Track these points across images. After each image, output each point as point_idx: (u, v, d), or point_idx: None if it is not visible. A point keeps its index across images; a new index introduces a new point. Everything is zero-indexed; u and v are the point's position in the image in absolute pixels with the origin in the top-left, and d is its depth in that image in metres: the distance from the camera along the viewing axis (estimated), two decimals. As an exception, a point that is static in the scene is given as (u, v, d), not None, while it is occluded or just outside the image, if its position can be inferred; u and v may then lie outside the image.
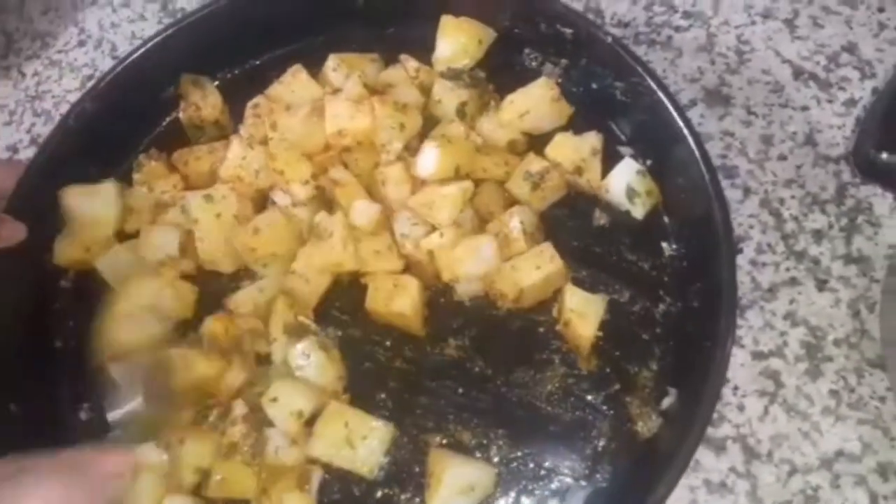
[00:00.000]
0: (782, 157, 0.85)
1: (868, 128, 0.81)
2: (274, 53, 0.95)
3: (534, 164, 0.83)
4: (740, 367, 0.77)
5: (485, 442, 0.75)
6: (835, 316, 0.78)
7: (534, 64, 0.90)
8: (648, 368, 0.76)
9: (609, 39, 0.81)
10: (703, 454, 0.74)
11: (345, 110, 0.83)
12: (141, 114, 0.92)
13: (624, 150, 0.85)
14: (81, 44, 1.07)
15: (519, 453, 0.75)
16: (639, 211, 0.81)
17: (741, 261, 0.81)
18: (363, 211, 0.81)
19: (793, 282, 0.80)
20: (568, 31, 0.84)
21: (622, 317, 0.78)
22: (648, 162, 0.83)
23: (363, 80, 0.87)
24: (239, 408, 0.75)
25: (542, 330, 0.79)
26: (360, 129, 0.83)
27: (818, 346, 0.77)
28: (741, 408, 0.75)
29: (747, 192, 0.84)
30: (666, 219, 0.82)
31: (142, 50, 0.88)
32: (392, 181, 0.82)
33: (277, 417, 0.74)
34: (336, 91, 0.89)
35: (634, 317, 0.79)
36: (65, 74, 1.05)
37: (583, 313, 0.77)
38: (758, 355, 0.77)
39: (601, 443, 0.74)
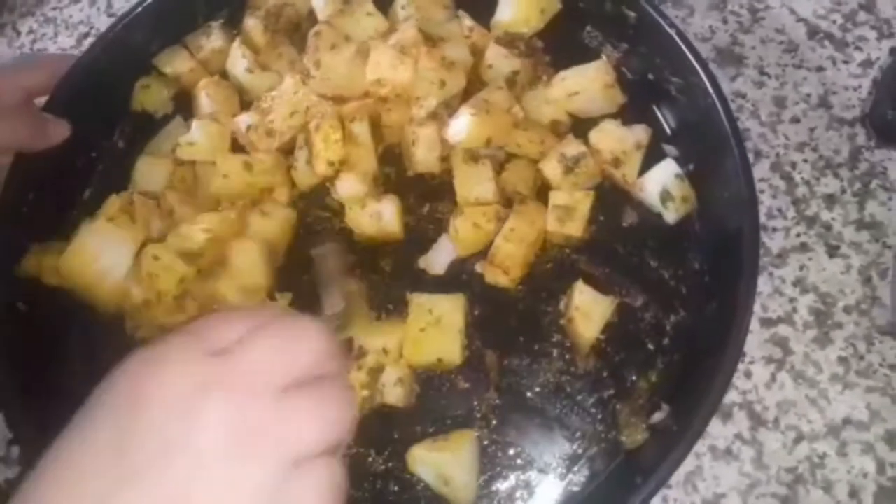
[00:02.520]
0: (795, 120, 0.83)
1: (885, 88, 0.78)
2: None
3: (571, 146, 0.78)
4: (749, 333, 0.76)
5: (468, 419, 0.74)
6: (845, 282, 0.77)
7: (594, 43, 0.86)
8: (647, 379, 0.73)
9: (673, 32, 0.76)
10: (708, 421, 0.73)
11: (388, 59, 0.79)
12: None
13: (668, 148, 0.80)
14: (76, 0, 1.04)
15: (497, 437, 0.73)
16: (671, 216, 0.77)
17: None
18: (349, 187, 0.79)
19: (803, 247, 0.78)
20: (632, 14, 0.80)
21: (631, 322, 0.75)
22: (691, 166, 0.78)
23: (419, 27, 0.82)
24: None
25: (547, 320, 0.76)
26: (400, 81, 0.79)
27: (828, 312, 0.76)
28: (748, 374, 0.74)
29: (758, 155, 0.82)
30: (698, 228, 0.77)
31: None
32: (423, 143, 0.79)
33: None
34: (392, 31, 0.84)
35: (644, 324, 0.75)
36: (60, 32, 1.03)
37: (587, 313, 0.74)
38: (766, 322, 0.76)
39: (583, 445, 0.72)
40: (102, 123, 0.88)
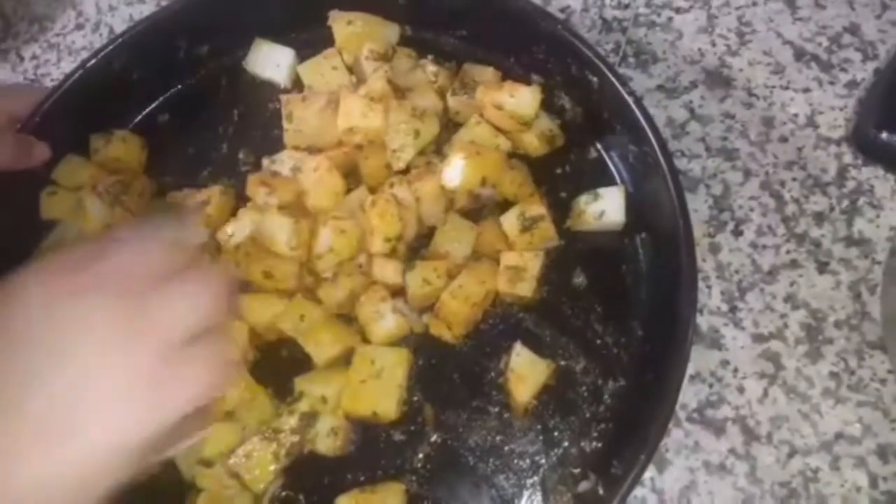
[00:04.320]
0: (783, 139, 0.85)
1: (868, 107, 0.80)
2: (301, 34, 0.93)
3: (533, 207, 0.79)
4: (740, 349, 0.77)
5: (399, 471, 0.74)
6: (836, 298, 0.78)
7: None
8: (579, 447, 0.73)
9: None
10: (702, 436, 0.74)
11: (358, 107, 0.81)
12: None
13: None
14: (79, 27, 1.06)
15: (427, 492, 0.73)
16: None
17: (742, 243, 0.81)
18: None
19: (793, 264, 0.79)
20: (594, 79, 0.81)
21: (570, 386, 0.75)
22: (642, 234, 0.80)
23: (388, 77, 0.84)
24: None
25: (488, 377, 0.76)
26: (372, 128, 0.81)
27: (818, 328, 0.77)
28: (741, 389, 0.75)
29: (748, 174, 0.84)
30: (643, 296, 0.78)
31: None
32: (429, 198, 0.80)
33: None
34: (360, 83, 0.86)
35: (583, 389, 0.75)
36: (63, 57, 1.05)
37: (523, 375, 0.74)
38: (758, 338, 0.77)
39: None
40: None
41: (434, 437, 0.75)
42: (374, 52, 0.86)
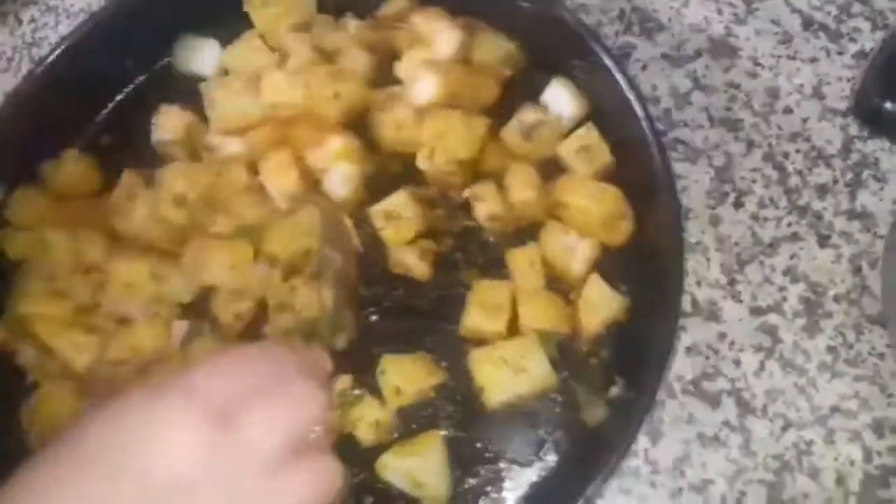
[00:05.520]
0: (788, 110, 0.83)
1: (873, 76, 0.78)
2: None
3: (528, 113, 0.80)
4: (738, 321, 0.76)
5: (433, 419, 0.74)
6: (836, 272, 0.77)
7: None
8: (597, 355, 0.74)
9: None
10: (697, 408, 0.74)
11: (278, 82, 0.81)
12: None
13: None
14: (78, -10, 1.05)
15: (463, 433, 0.74)
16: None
17: (742, 215, 0.80)
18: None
19: (794, 237, 0.79)
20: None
21: None
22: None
23: (312, 44, 0.84)
24: None
25: None
26: (294, 101, 0.80)
27: (818, 301, 0.76)
28: (737, 362, 0.75)
29: (751, 145, 0.82)
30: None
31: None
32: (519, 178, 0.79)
33: None
34: (283, 56, 0.85)
35: None
36: (61, 21, 1.04)
37: (595, 306, 0.74)
38: (755, 310, 0.76)
39: (548, 429, 0.73)
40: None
41: (462, 377, 0.75)
42: (293, 24, 0.86)
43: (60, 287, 0.79)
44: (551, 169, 0.80)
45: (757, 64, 0.86)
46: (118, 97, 0.92)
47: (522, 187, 0.78)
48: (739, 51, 0.87)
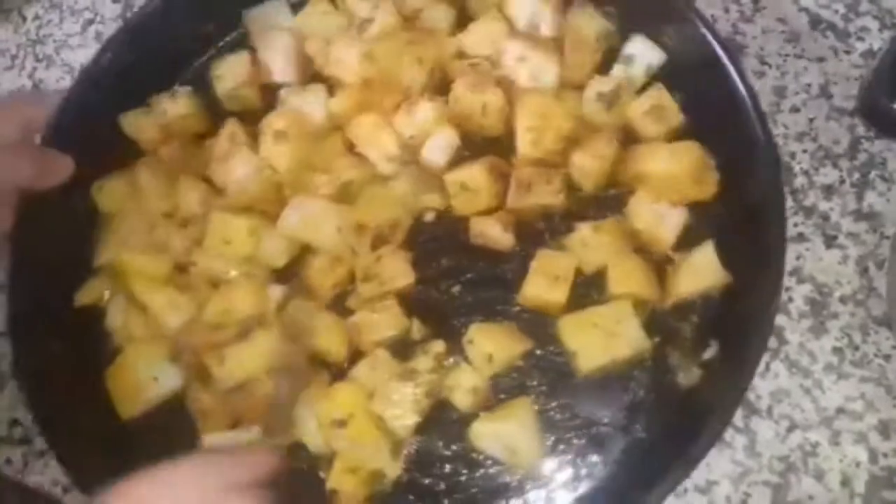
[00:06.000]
0: (795, 110, 0.83)
1: (880, 77, 0.78)
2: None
3: (604, 83, 0.79)
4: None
5: (520, 387, 0.75)
6: (842, 272, 0.77)
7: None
8: (689, 321, 0.75)
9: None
10: (702, 409, 0.74)
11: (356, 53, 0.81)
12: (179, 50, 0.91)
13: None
14: (82, -14, 1.05)
15: (555, 403, 0.74)
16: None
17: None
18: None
19: (800, 237, 0.78)
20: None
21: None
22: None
23: (398, 8, 0.84)
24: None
25: None
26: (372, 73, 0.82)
27: (824, 302, 0.76)
28: (742, 363, 0.75)
29: (757, 145, 0.82)
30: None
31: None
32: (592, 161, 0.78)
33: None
34: (364, 23, 0.85)
35: None
36: (65, 18, 1.04)
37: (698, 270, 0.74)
38: (762, 311, 0.76)
39: (640, 393, 0.73)
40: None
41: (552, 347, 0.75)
42: None
43: (158, 239, 0.79)
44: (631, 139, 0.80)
45: (764, 63, 0.85)
46: (199, 59, 0.91)
47: (601, 158, 0.77)
48: (746, 49, 0.86)
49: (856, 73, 0.83)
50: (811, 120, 0.82)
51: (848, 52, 0.85)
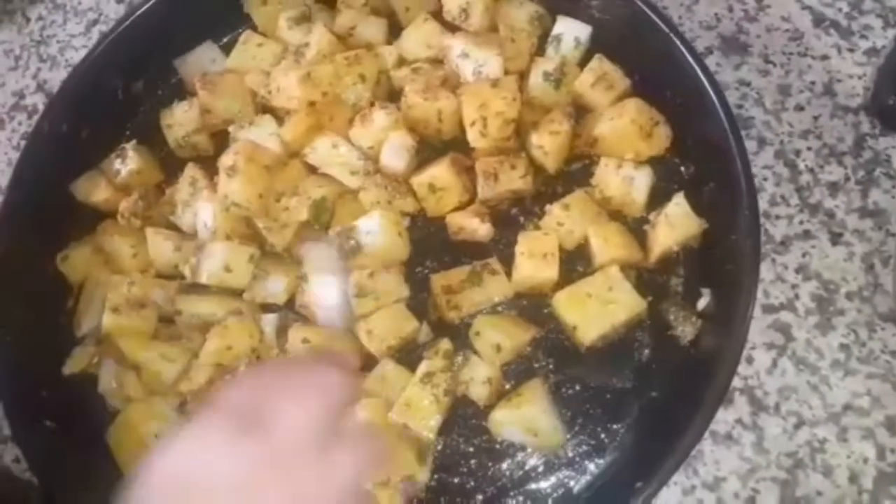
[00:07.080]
0: (799, 108, 0.83)
1: (886, 74, 0.78)
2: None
3: (547, 63, 0.81)
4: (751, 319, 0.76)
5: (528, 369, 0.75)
6: (848, 269, 0.77)
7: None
8: (676, 274, 0.76)
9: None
10: (709, 406, 0.74)
11: (294, 80, 0.81)
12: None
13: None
14: (86, -13, 1.05)
15: (563, 376, 0.75)
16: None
17: (754, 213, 0.79)
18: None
19: (806, 235, 0.79)
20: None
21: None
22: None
23: (329, 28, 0.86)
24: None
25: None
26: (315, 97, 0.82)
27: (830, 299, 0.76)
28: (749, 360, 0.75)
29: (762, 143, 0.82)
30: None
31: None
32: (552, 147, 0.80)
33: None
34: (300, 49, 0.86)
35: None
36: (69, 19, 1.04)
37: (674, 224, 0.75)
38: (768, 308, 0.76)
39: (645, 354, 0.74)
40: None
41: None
42: (290, 19, 0.88)
43: (136, 295, 0.78)
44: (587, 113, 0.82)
45: (768, 61, 0.86)
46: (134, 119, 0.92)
47: (558, 134, 0.79)
48: (750, 48, 0.86)
49: (860, 71, 0.84)
50: (816, 118, 0.83)
51: (852, 50, 0.85)
